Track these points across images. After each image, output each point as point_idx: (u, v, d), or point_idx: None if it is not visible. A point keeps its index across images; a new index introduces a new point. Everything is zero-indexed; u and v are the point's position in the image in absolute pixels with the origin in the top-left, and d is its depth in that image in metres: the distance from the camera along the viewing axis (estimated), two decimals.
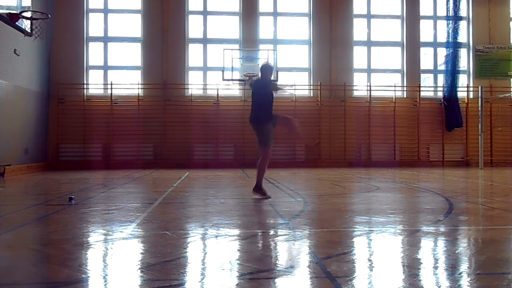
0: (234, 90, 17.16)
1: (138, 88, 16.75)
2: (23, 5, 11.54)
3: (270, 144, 7.15)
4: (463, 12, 18.07)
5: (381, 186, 9.19)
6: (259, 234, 4.48)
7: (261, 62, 16.40)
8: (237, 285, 2.80)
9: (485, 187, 9.69)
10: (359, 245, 4.05)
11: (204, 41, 17.41)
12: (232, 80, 16.31)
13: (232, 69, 16.10)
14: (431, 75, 18.65)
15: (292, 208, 6.10)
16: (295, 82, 17.08)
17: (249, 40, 17.20)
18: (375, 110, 17.45)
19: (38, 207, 6.52)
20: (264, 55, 16.49)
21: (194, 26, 17.42)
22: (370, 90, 17.48)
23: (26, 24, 10.68)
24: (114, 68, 17.10)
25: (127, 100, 16.64)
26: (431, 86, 18.57)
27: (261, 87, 7.34)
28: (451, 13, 17.90)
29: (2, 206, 6.83)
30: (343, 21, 17.60)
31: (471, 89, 18.03)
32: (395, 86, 17.68)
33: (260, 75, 7.69)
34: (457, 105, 17.61)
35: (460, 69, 18.02)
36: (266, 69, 7.49)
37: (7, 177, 11.79)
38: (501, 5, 18.33)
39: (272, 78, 7.79)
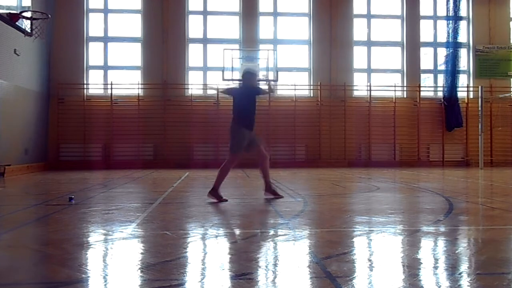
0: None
1: (138, 88, 16.75)
2: (23, 5, 11.52)
3: (238, 152, 6.87)
4: (463, 12, 18.06)
5: (381, 186, 9.18)
6: (259, 234, 4.48)
7: (261, 62, 16.43)
8: (237, 285, 2.80)
9: (485, 187, 9.69)
10: (359, 245, 4.05)
11: (204, 41, 17.41)
12: (232, 80, 16.28)
13: (232, 69, 16.09)
14: (431, 75, 18.64)
15: (292, 208, 6.10)
16: (295, 82, 17.10)
17: (249, 40, 17.20)
18: (375, 110, 17.45)
19: (38, 207, 6.52)
20: (264, 55, 16.49)
21: (194, 26, 17.42)
22: (370, 90, 17.47)
23: (26, 24, 10.67)
24: (114, 68, 17.10)
25: (127, 100, 16.64)
26: (431, 86, 18.56)
27: (244, 94, 6.99)
28: (451, 13, 17.89)
29: (2, 206, 6.83)
30: (343, 21, 17.59)
31: (471, 89, 18.02)
32: (395, 86, 17.68)
33: (242, 82, 7.26)
34: (457, 105, 17.60)
35: (460, 69, 18.01)
36: (250, 74, 7.11)
37: (7, 177, 11.79)
38: (501, 5, 18.33)
39: (255, 83, 7.26)
